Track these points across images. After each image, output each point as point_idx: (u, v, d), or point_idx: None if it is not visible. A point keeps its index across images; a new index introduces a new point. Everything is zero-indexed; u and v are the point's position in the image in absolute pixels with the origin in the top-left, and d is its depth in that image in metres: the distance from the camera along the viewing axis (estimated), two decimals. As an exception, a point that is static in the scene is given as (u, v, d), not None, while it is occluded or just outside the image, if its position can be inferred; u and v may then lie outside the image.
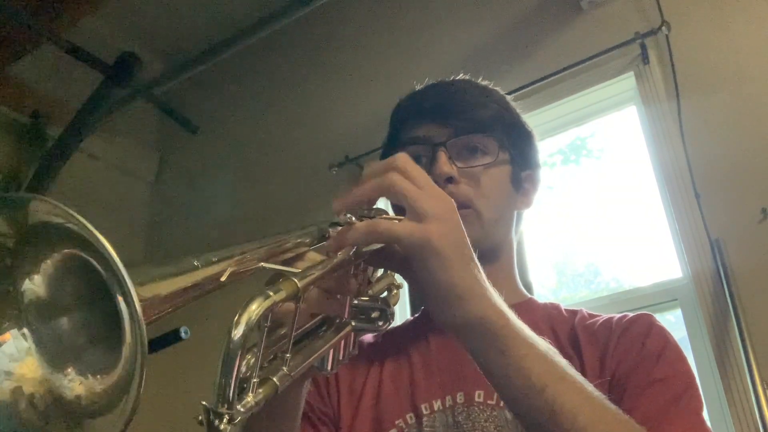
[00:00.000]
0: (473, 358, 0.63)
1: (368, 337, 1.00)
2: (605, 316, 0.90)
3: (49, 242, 0.44)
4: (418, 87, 1.03)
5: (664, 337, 0.82)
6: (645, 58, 2.01)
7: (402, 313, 2.10)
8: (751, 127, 1.82)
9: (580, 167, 2.39)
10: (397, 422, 0.84)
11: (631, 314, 0.87)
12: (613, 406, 0.62)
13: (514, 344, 0.60)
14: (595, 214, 2.28)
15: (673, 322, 1.84)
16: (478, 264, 0.64)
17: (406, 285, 0.77)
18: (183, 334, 1.28)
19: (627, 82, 2.12)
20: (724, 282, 1.66)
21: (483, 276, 0.63)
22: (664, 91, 1.97)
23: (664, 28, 1.98)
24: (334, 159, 2.52)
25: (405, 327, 1.02)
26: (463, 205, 0.64)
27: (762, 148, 1.78)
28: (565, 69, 2.12)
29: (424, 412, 0.84)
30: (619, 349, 0.81)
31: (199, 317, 2.22)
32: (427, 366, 0.89)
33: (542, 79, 2.11)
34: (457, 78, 1.02)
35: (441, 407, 0.84)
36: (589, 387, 0.62)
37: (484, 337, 0.61)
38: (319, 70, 2.83)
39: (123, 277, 0.38)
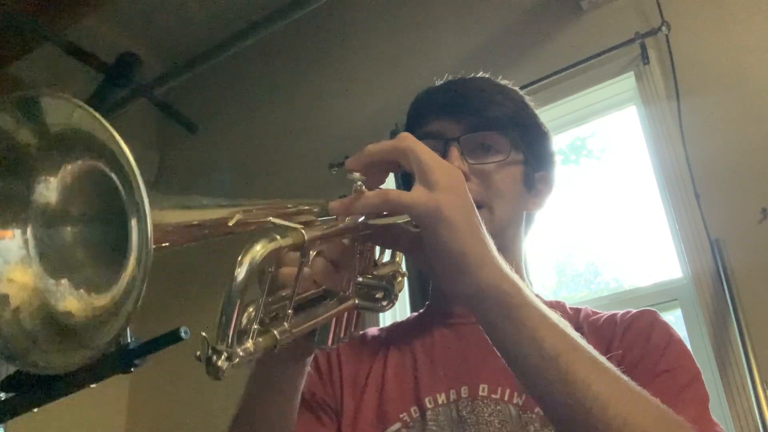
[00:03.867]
0: (484, 329, 0.62)
1: (373, 331, 1.01)
2: (609, 312, 0.90)
3: (74, 150, 0.43)
4: (437, 82, 1.02)
5: (668, 331, 0.82)
6: (645, 58, 2.01)
7: (402, 308, 2.10)
8: (751, 127, 1.82)
9: (580, 167, 2.39)
10: (401, 416, 0.84)
11: (634, 310, 0.88)
12: (625, 377, 0.62)
13: (527, 313, 0.60)
14: (595, 214, 2.28)
15: (673, 322, 1.84)
16: (488, 235, 0.63)
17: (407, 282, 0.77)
18: (183, 334, 1.27)
19: (627, 82, 2.12)
20: (724, 282, 1.66)
21: (493, 246, 0.63)
22: (664, 91, 1.97)
23: (664, 28, 1.98)
24: (334, 159, 2.52)
25: (409, 322, 1.02)
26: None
27: (762, 148, 1.78)
28: (565, 69, 2.12)
29: (428, 405, 0.84)
30: (624, 343, 0.81)
31: (199, 317, 2.22)
32: (431, 360, 0.89)
33: (542, 79, 2.11)
34: (476, 75, 1.02)
35: (445, 401, 0.84)
36: (602, 358, 0.62)
37: (497, 305, 0.60)
38: (319, 70, 2.83)
39: (142, 199, 0.37)
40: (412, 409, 0.84)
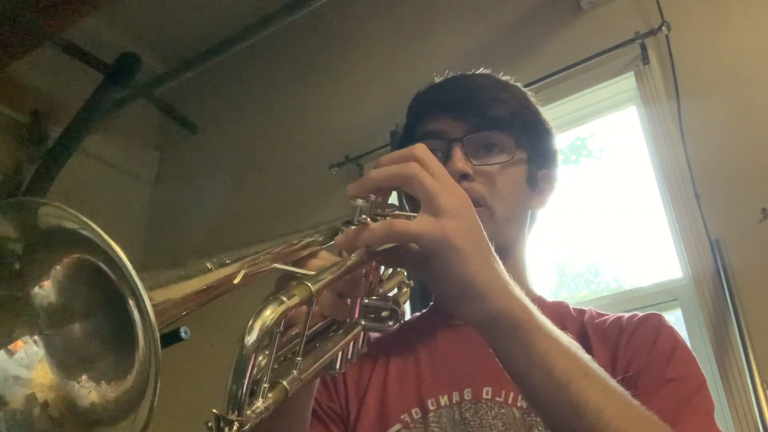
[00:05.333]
0: (495, 354, 0.62)
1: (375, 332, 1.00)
2: (614, 315, 0.89)
3: (59, 247, 0.43)
4: (437, 79, 1.01)
5: (674, 337, 0.82)
6: (645, 58, 2.01)
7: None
8: (751, 127, 1.82)
9: (580, 167, 2.39)
10: (402, 417, 0.84)
11: (640, 313, 0.87)
12: (636, 402, 0.61)
13: (537, 338, 0.59)
14: (595, 214, 2.28)
15: (673, 322, 1.83)
16: (497, 258, 0.63)
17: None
18: (183, 334, 1.28)
19: (627, 82, 2.12)
20: (724, 282, 1.66)
21: (503, 269, 0.63)
22: (664, 91, 1.97)
23: (664, 28, 1.98)
24: (334, 159, 2.52)
25: (412, 322, 1.01)
26: (476, 203, 0.64)
27: (762, 148, 1.78)
28: (565, 69, 2.12)
29: (431, 407, 0.83)
30: (629, 349, 0.81)
31: (199, 317, 2.21)
32: (433, 361, 0.89)
33: (542, 79, 2.11)
34: (477, 72, 1.01)
35: (448, 403, 0.83)
36: (613, 383, 0.61)
37: (507, 331, 0.60)
38: (320, 70, 2.83)
39: (134, 282, 0.38)
40: (413, 411, 0.84)
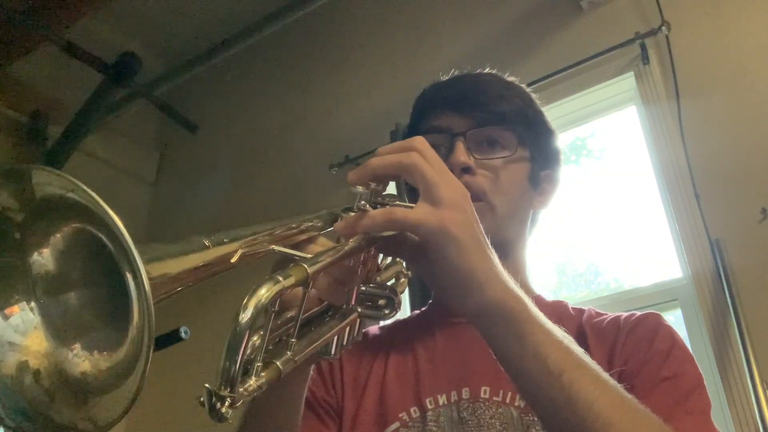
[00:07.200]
0: (489, 345, 0.62)
1: (374, 329, 1.00)
2: (612, 314, 0.89)
3: (59, 216, 0.43)
4: (443, 77, 1.02)
5: (671, 336, 0.82)
6: (645, 58, 2.01)
7: (403, 305, 2.09)
8: (751, 127, 1.82)
9: (580, 167, 2.39)
10: (400, 415, 0.84)
11: (638, 313, 0.87)
12: (629, 395, 0.61)
13: (532, 330, 0.60)
14: (595, 214, 2.28)
15: (673, 322, 1.84)
16: (493, 251, 0.63)
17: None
18: (183, 334, 1.27)
19: (627, 82, 2.12)
20: (724, 282, 1.66)
21: (498, 263, 0.63)
22: (664, 91, 1.96)
23: (664, 28, 1.98)
24: (334, 159, 2.52)
25: (411, 320, 1.02)
26: (476, 197, 0.64)
27: (762, 148, 1.78)
28: (565, 69, 2.12)
29: (429, 406, 0.83)
30: (627, 348, 0.81)
31: (199, 317, 2.22)
32: (432, 360, 0.89)
33: (542, 79, 2.11)
34: (482, 71, 1.02)
35: (446, 402, 0.83)
36: (605, 375, 0.61)
37: (502, 322, 0.60)
38: (320, 70, 2.83)
39: (132, 253, 0.38)
40: (412, 410, 0.84)
